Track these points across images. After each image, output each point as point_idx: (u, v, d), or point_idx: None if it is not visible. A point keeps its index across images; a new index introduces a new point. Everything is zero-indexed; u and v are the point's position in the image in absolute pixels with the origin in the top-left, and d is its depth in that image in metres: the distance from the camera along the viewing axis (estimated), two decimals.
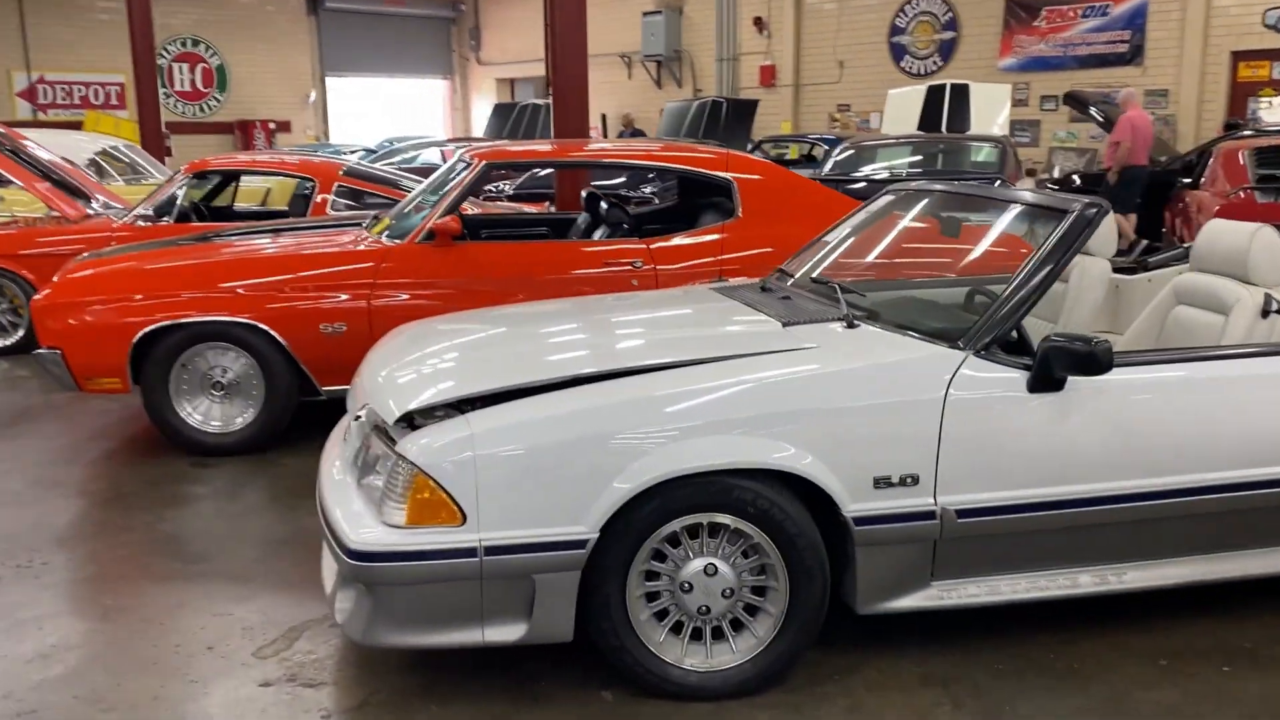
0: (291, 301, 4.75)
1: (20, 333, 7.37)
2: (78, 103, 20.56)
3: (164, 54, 22.15)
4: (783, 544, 2.67)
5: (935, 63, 17.72)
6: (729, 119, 12.68)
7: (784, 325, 3.08)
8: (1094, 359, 2.69)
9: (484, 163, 4.98)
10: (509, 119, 15.32)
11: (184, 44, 21.76)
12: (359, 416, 3.00)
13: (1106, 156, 10.32)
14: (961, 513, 2.75)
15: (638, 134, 16.43)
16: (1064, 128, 16.16)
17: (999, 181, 8.66)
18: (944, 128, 10.53)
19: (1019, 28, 16.54)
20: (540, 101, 15.69)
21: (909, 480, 2.71)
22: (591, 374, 2.79)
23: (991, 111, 10.73)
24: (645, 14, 20.96)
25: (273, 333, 4.73)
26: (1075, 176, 11.16)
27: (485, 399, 2.73)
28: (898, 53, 18.14)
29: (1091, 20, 15.80)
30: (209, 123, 22.36)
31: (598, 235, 5.57)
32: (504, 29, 25.26)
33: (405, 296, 4.80)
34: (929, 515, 2.73)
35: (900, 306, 3.36)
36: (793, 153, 15.31)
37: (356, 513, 2.69)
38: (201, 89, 22.28)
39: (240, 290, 4.73)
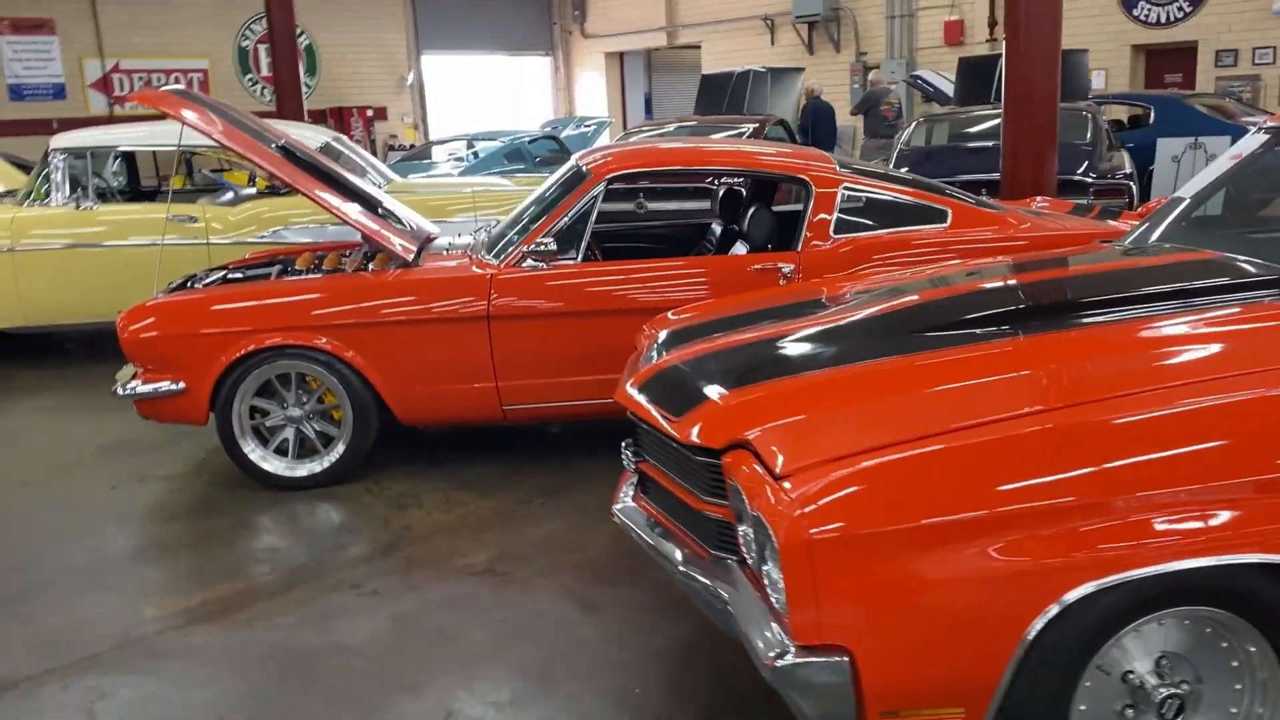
0: None
1: (340, 449, 4.62)
2: None
3: (248, 35, 19.48)
4: None
5: (1181, 8, 15.08)
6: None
7: None
8: None
9: None
10: (727, 90, 12.62)
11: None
12: None
13: None
14: None
15: (822, 108, 13.42)
16: None
17: None
18: None
19: None
20: (759, 68, 12.97)
21: None
22: None
23: None
24: None
25: None
26: None
27: None
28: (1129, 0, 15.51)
29: None
30: None
31: None
32: None
33: None
34: None
35: None
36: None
37: None
38: None
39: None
